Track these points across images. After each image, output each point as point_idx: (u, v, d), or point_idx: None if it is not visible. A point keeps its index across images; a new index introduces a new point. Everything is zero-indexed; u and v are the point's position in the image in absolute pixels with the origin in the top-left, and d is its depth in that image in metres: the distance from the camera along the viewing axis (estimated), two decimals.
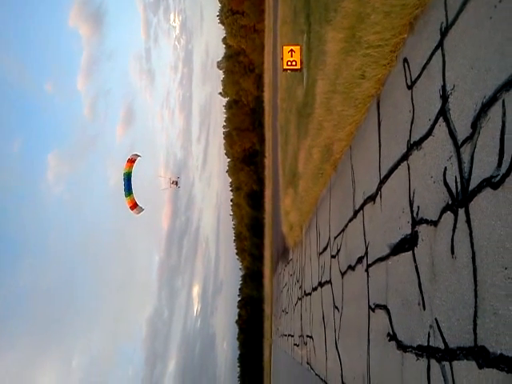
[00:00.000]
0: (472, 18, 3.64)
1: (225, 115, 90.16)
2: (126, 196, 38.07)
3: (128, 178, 38.21)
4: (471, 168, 3.43)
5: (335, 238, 9.18)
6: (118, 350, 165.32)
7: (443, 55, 4.14)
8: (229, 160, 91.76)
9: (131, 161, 38.18)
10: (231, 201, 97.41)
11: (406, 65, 5.19)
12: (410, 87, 4.99)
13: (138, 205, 38.96)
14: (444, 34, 4.15)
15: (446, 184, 3.88)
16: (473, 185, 3.39)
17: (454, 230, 3.67)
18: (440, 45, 4.22)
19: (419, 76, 4.72)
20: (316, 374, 11.78)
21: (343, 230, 8.37)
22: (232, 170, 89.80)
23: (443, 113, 4.03)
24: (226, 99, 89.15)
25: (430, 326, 4.07)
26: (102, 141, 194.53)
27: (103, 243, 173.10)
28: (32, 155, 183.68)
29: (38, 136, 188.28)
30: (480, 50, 3.45)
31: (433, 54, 4.36)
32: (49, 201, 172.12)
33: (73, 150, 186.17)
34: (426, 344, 4.17)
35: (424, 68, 4.58)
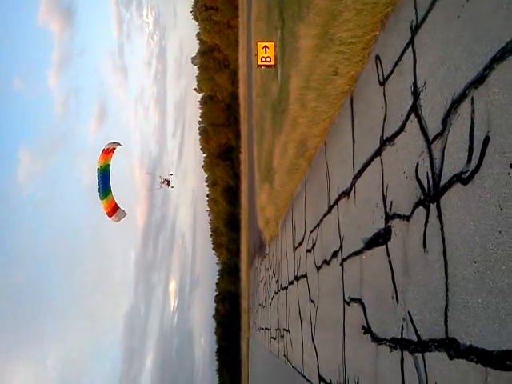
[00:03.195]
0: (441, 16, 3.71)
1: (200, 111, 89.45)
2: (101, 198, 27.60)
3: (104, 173, 27.80)
4: (442, 164, 3.51)
5: (310, 232, 9.26)
6: (94, 348, 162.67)
7: (414, 52, 4.21)
8: (204, 155, 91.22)
9: (108, 151, 27.94)
10: (207, 196, 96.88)
11: (378, 62, 5.25)
12: (382, 84, 5.06)
13: (118, 208, 28.77)
14: (414, 32, 4.22)
15: (418, 179, 3.95)
16: (444, 180, 3.46)
17: (425, 225, 3.75)
18: (411, 42, 4.29)
19: (391, 73, 4.79)
20: (293, 367, 11.89)
21: (318, 225, 8.45)
22: (208, 166, 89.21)
23: (415, 109, 4.11)
24: (201, 95, 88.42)
25: (403, 319, 4.16)
26: (75, 138, 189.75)
27: (77, 241, 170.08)
28: (1, 153, 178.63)
29: (6, 133, 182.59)
30: (449, 48, 3.52)
31: (404, 51, 4.43)
32: (19, 199, 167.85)
33: (44, 148, 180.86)
34: (399, 336, 4.26)
35: (396, 65, 4.65)
